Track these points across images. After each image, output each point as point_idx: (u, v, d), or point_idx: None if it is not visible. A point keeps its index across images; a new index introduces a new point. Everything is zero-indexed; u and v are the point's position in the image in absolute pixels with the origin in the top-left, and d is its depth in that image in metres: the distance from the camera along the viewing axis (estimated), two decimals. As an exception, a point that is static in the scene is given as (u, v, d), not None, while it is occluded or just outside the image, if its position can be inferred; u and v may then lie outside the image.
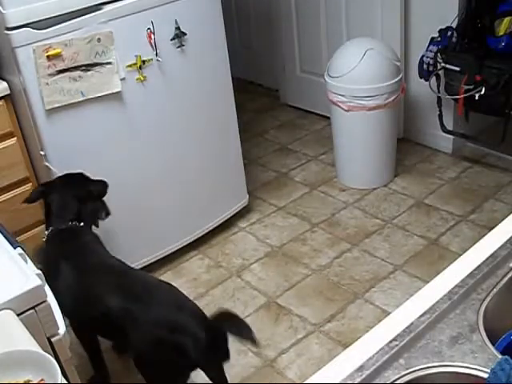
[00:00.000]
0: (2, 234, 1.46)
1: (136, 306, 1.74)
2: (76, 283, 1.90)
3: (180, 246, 2.77)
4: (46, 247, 2.05)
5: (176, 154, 2.60)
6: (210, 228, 2.87)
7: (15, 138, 2.31)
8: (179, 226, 2.73)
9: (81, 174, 2.18)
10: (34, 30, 2.07)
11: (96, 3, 2.20)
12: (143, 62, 2.34)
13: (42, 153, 2.25)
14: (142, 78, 2.37)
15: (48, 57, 2.10)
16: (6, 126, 2.27)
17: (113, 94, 2.30)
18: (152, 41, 2.33)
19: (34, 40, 2.08)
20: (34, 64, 2.10)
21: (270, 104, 4.12)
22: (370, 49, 2.90)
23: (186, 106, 2.57)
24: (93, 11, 2.19)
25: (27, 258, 1.42)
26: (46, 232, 2.06)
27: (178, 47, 2.44)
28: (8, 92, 2.24)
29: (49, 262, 1.97)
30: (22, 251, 1.41)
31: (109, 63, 2.25)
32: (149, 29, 2.32)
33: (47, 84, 2.14)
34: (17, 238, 1.55)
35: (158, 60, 2.38)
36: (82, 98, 2.23)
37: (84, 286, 1.90)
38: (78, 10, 2.16)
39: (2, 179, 2.31)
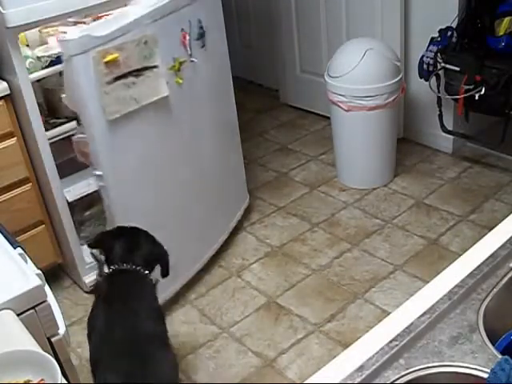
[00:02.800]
0: (2, 233, 1.46)
1: None
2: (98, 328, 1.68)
3: (201, 267, 2.64)
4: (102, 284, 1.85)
5: (188, 158, 2.47)
6: (224, 238, 2.78)
7: (15, 138, 2.31)
8: (196, 244, 2.58)
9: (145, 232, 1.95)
10: (94, 34, 1.90)
11: (96, 3, 2.20)
12: (180, 63, 2.24)
13: (98, 173, 2.08)
14: (180, 81, 2.25)
15: (106, 63, 1.95)
16: (5, 126, 2.27)
17: (162, 98, 2.17)
18: (186, 41, 2.24)
19: (92, 45, 1.92)
20: (93, 72, 1.94)
21: (270, 104, 4.12)
22: (369, 49, 2.90)
23: (200, 108, 2.48)
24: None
25: (27, 258, 1.42)
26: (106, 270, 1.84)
27: (202, 47, 2.37)
28: (8, 92, 2.24)
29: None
30: (22, 251, 1.41)
31: (155, 67, 2.12)
32: (182, 29, 2.22)
33: (106, 93, 1.99)
34: (17, 238, 1.55)
35: (191, 61, 2.29)
36: (136, 106, 2.08)
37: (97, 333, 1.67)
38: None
39: (2, 179, 2.31)
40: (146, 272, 1.82)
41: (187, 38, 2.25)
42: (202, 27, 2.35)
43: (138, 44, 2.05)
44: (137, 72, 2.08)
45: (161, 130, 2.28)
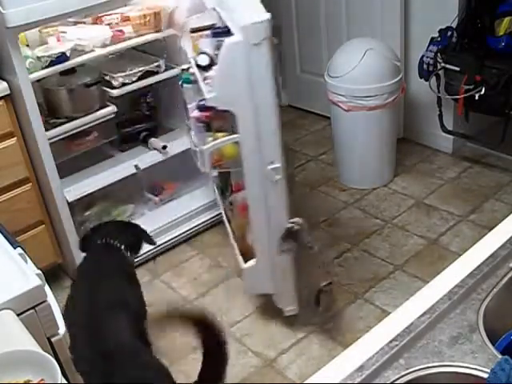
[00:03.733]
0: (2, 233, 1.46)
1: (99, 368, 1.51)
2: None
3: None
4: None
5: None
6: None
7: (15, 138, 2.31)
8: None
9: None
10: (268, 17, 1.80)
11: (96, 3, 2.19)
12: None
13: (275, 166, 2.00)
14: None
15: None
16: (5, 126, 2.27)
17: None
18: None
19: (268, 28, 1.82)
20: (270, 57, 1.86)
21: (270, 104, 4.11)
22: (369, 49, 2.90)
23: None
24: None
25: (27, 258, 1.42)
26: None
27: None
28: (8, 92, 2.24)
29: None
30: (22, 251, 1.42)
31: None
32: None
33: (276, 78, 1.95)
34: (17, 238, 1.55)
35: None
36: None
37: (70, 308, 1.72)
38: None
39: (2, 179, 2.31)
40: (118, 244, 1.99)
41: None
42: None
43: None
44: None
45: None
